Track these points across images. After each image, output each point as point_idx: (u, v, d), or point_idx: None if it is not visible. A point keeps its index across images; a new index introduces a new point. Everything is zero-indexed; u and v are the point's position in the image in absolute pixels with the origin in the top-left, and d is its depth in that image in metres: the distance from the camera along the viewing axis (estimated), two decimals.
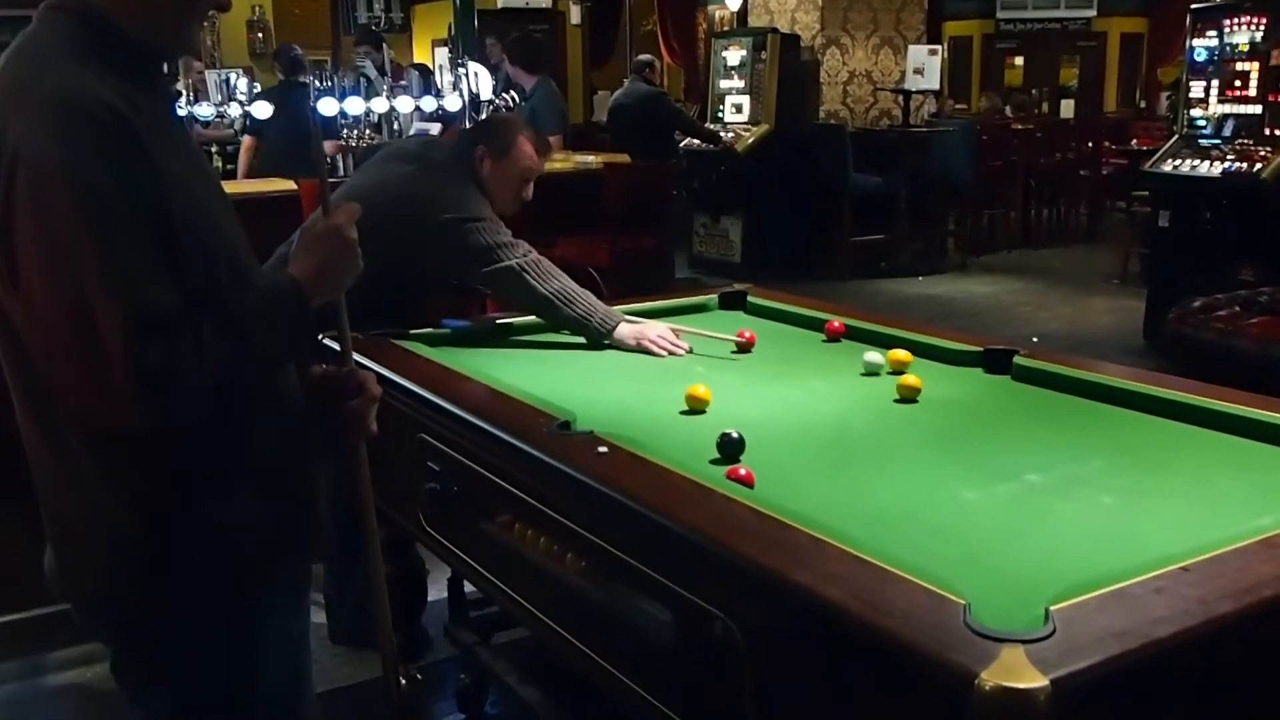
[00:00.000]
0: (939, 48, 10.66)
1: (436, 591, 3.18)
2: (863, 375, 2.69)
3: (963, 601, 1.41)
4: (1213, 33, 7.43)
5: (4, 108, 1.47)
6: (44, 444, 1.61)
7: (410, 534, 2.78)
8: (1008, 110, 13.74)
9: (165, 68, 1.79)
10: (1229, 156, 7.16)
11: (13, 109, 1.46)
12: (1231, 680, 1.48)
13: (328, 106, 6.31)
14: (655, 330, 3.00)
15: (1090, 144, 12.07)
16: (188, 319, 1.47)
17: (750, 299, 3.44)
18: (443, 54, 11.42)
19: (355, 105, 6.41)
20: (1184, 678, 1.40)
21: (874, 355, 2.71)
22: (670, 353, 2.95)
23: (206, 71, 8.65)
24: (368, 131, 6.47)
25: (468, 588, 2.98)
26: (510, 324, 3.18)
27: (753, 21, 10.92)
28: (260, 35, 12.63)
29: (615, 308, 3.15)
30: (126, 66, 1.55)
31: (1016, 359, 2.68)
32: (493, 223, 3.16)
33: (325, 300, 1.70)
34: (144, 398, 1.43)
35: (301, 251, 1.70)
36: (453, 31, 8.29)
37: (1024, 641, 1.30)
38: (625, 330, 3.01)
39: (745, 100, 10.03)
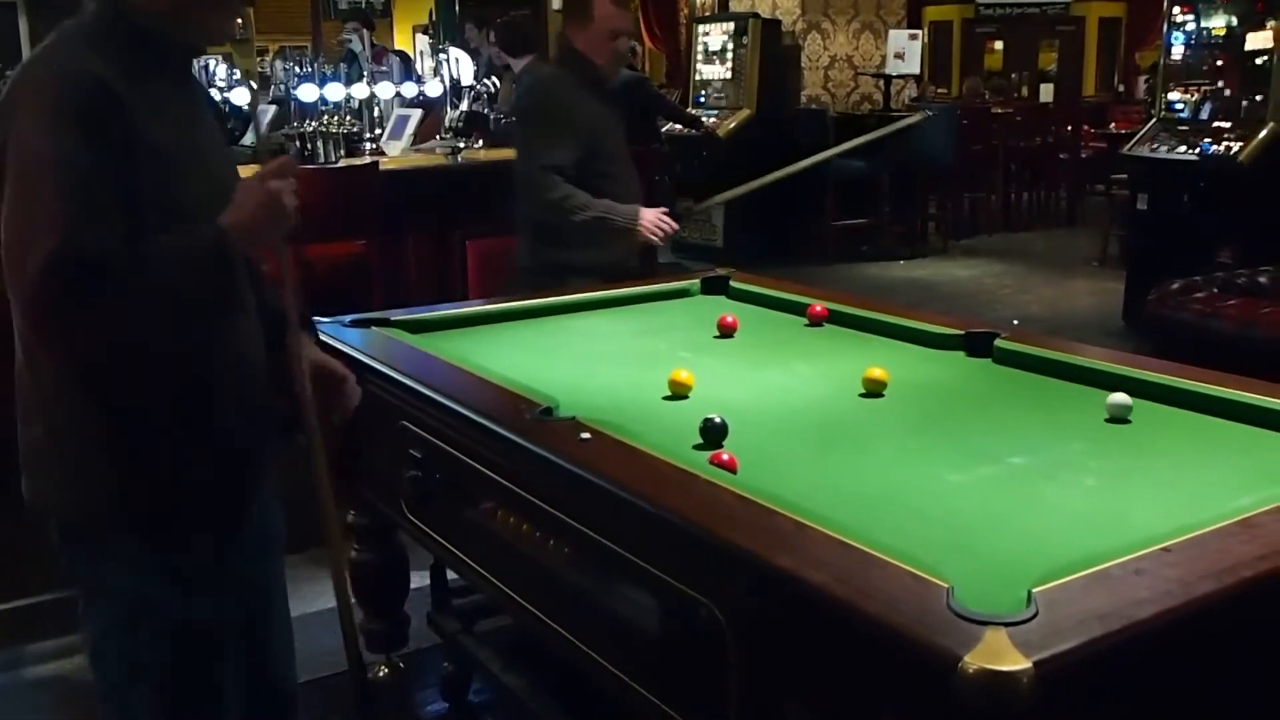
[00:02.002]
0: (919, 32, 10.68)
1: (419, 579, 3.18)
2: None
3: (946, 585, 1.42)
4: (1190, 17, 7.46)
5: (27, 67, 1.78)
6: (26, 368, 1.84)
7: (393, 521, 2.77)
8: (987, 94, 13.75)
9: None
10: (1206, 140, 7.19)
11: (28, 70, 1.77)
12: (1213, 660, 1.49)
13: (308, 92, 6.27)
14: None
15: (1070, 128, 12.10)
16: (115, 255, 1.66)
17: (733, 284, 3.43)
18: (423, 40, 11.37)
19: (335, 91, 6.37)
20: (1166, 658, 1.41)
21: (1120, 397, 2.26)
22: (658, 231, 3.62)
23: None
24: (348, 118, 6.43)
25: (450, 575, 2.97)
26: (492, 310, 3.17)
27: (734, 6, 10.93)
28: (240, 21, 12.54)
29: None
30: (139, 53, 1.80)
31: (998, 342, 2.68)
32: (556, 139, 3.62)
33: (253, 250, 1.90)
34: (54, 313, 1.65)
35: (234, 204, 1.82)
36: (434, 17, 8.26)
37: (1007, 624, 1.31)
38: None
39: (727, 85, 10.02)
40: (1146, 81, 13.01)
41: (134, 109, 1.71)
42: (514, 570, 2.19)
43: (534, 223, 3.73)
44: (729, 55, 10.01)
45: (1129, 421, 2.22)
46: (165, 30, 1.82)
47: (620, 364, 2.74)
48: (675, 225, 3.70)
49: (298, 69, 6.67)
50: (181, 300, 1.74)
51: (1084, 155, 11.93)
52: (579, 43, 3.72)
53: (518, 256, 3.85)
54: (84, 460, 1.82)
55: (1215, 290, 4.25)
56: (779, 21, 10.13)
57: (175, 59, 1.91)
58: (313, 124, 5.88)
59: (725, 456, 1.95)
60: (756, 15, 10.08)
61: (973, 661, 1.23)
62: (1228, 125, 7.14)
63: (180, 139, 1.82)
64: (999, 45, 17.35)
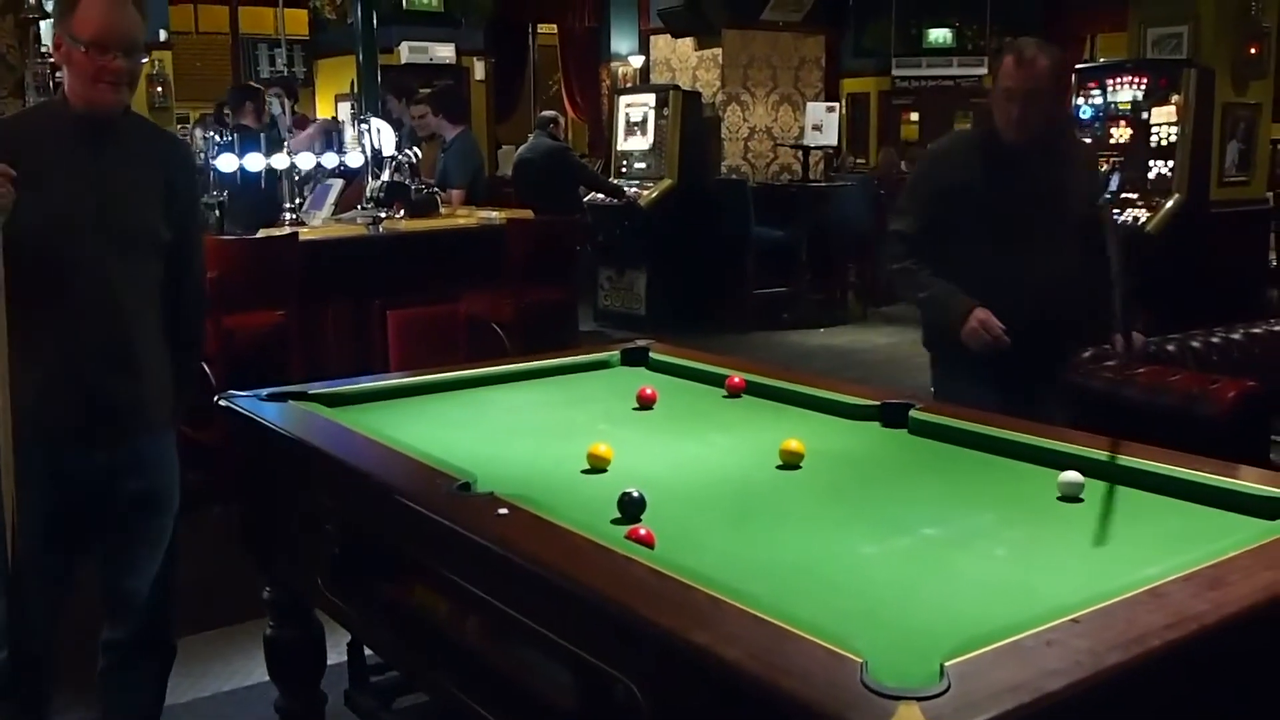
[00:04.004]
0: (836, 105, 10.89)
1: (336, 656, 3.11)
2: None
3: (860, 659, 1.42)
4: (1096, 91, 7.72)
5: None
6: None
7: (309, 598, 2.73)
8: (903, 165, 14.04)
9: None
10: (1115, 210, 7.40)
11: None
12: None
13: (226, 162, 6.23)
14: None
15: None
16: None
17: (652, 355, 3.44)
18: (345, 108, 11.35)
19: (255, 161, 6.33)
20: None
21: (1072, 475, 2.25)
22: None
23: None
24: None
25: (368, 652, 2.92)
26: (411, 383, 3.14)
27: (655, 78, 11.08)
28: (160, 89, 12.41)
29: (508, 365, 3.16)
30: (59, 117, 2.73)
31: (912, 413, 2.72)
32: (908, 202, 3.49)
33: None
34: None
35: None
36: (355, 88, 8.26)
37: (920, 698, 1.32)
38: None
39: (649, 155, 10.14)
40: None
41: (25, 149, 2.56)
42: (431, 647, 2.16)
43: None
44: (650, 126, 10.14)
45: (1081, 500, 2.21)
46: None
47: (540, 437, 2.74)
48: (1001, 339, 3.23)
49: (218, 137, 6.61)
50: None
51: None
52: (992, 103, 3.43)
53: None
54: None
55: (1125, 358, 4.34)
56: (699, 94, 10.29)
57: (66, 120, 2.69)
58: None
59: (642, 531, 1.94)
60: (677, 87, 10.23)
61: None
62: (1135, 196, 7.37)
63: (56, 169, 2.61)
64: (915, 116, 17.80)
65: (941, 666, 1.40)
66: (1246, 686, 1.69)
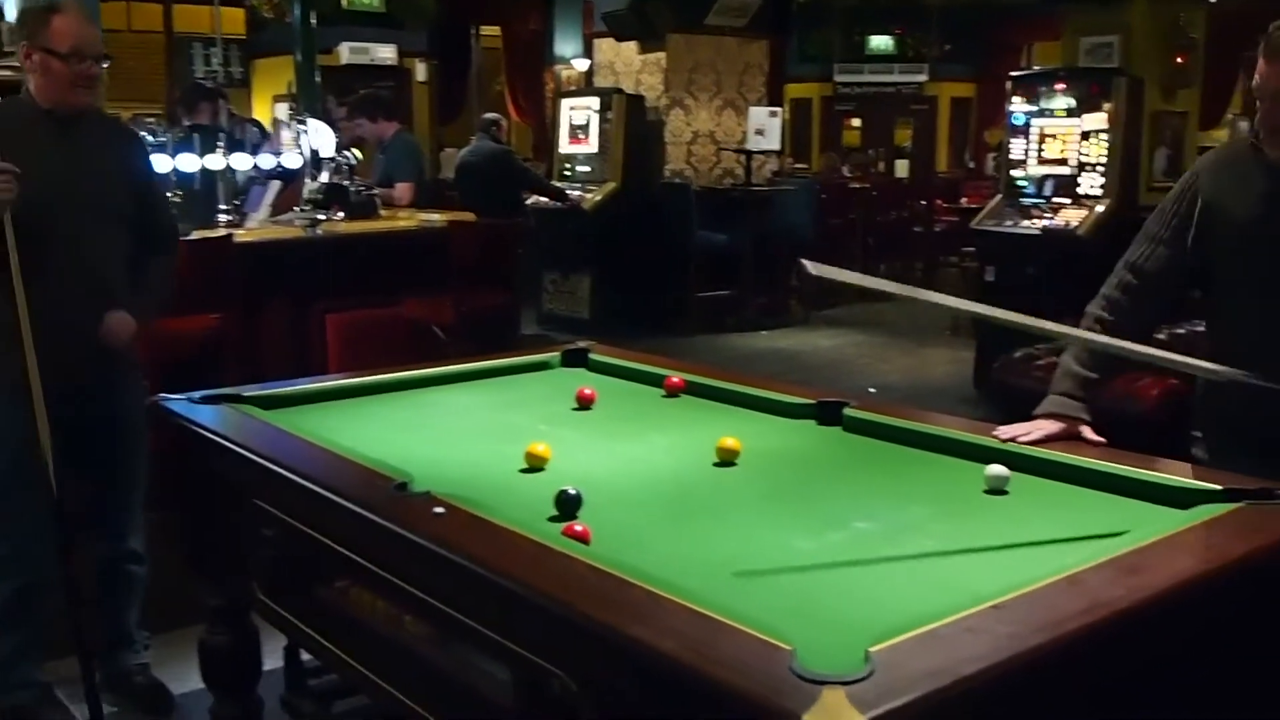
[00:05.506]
0: (779, 110, 10.96)
1: (273, 660, 3.10)
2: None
3: (789, 648, 1.46)
4: (1031, 98, 7.85)
5: None
6: None
7: (245, 602, 2.71)
8: (845, 170, 14.20)
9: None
10: (1048, 215, 7.55)
11: None
12: (1043, 710, 1.55)
13: (162, 163, 6.16)
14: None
15: (924, 202, 12.56)
16: None
17: (592, 356, 3.46)
18: (282, 109, 11.25)
19: (190, 162, 6.26)
20: (998, 710, 1.47)
21: (998, 469, 2.30)
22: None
23: None
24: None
25: (305, 655, 2.91)
26: (348, 385, 3.14)
27: (599, 82, 11.08)
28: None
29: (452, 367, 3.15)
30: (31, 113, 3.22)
31: (846, 410, 2.76)
32: (1148, 226, 2.75)
33: None
34: None
35: None
36: (293, 89, 8.21)
37: (844, 683, 1.35)
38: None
39: (592, 159, 10.16)
40: (994, 158, 13.59)
41: (12, 140, 3.08)
42: (370, 649, 2.16)
43: None
44: (594, 130, 10.15)
45: (1007, 493, 2.27)
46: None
47: (478, 437, 2.74)
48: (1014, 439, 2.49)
49: (150, 137, 6.52)
50: None
51: (937, 229, 12.36)
52: None
53: None
54: None
55: (1055, 358, 4.41)
56: (643, 98, 10.31)
57: (47, 118, 3.20)
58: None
59: (578, 528, 1.96)
60: (621, 91, 10.25)
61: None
62: (1068, 201, 7.51)
63: (38, 161, 3.05)
64: (857, 122, 18.02)
65: (867, 653, 1.44)
66: (1161, 670, 1.74)
